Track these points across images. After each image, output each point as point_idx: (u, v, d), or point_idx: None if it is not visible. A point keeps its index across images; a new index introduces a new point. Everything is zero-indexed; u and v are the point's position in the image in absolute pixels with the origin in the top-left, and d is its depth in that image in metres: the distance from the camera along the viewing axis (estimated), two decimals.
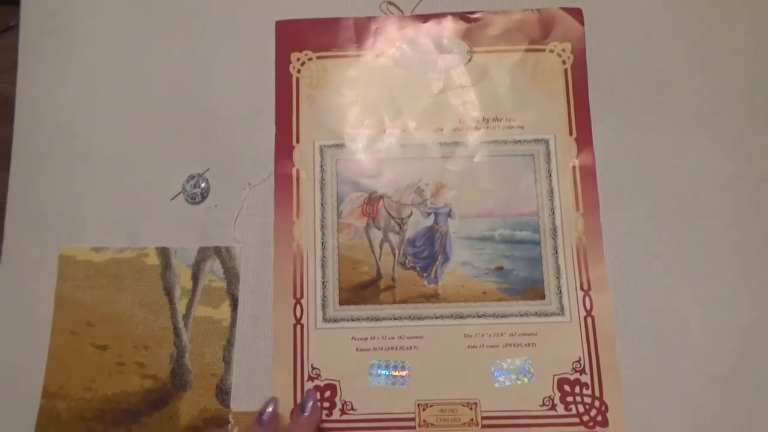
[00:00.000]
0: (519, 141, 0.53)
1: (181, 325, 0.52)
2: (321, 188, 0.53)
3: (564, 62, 0.54)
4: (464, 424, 0.49)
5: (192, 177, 0.54)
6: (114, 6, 0.58)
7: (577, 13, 0.55)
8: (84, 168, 0.55)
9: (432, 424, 0.49)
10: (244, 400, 0.51)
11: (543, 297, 0.51)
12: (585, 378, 0.49)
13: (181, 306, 0.53)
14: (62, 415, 0.51)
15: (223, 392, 0.51)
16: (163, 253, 0.54)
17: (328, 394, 0.50)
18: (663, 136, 0.53)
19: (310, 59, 0.55)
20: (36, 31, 0.57)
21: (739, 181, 0.53)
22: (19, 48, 0.57)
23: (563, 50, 0.54)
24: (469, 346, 0.50)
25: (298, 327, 0.51)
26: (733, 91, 0.54)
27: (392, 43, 0.55)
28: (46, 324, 0.52)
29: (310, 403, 0.48)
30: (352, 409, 0.50)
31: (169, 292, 0.53)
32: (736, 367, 0.50)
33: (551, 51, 0.54)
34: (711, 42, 0.55)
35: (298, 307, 0.51)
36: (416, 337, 0.51)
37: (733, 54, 0.55)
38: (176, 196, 0.54)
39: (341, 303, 0.51)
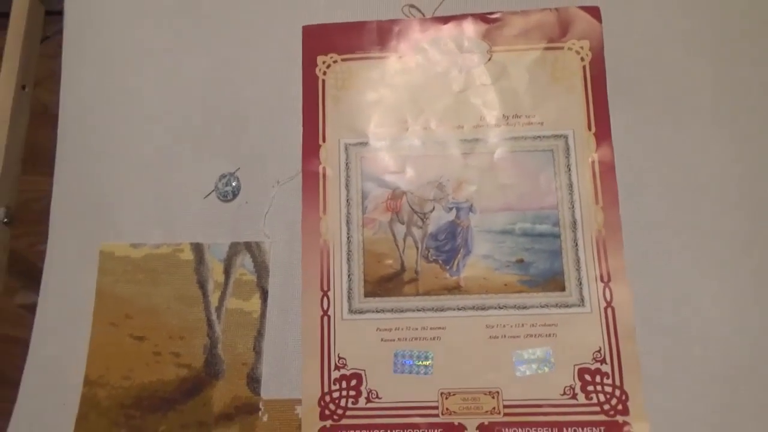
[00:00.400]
0: (538, 137, 0.55)
1: (214, 317, 0.55)
2: (346, 185, 0.55)
3: (582, 59, 0.55)
4: (486, 412, 0.50)
5: (224, 176, 0.57)
6: (151, 15, 0.61)
7: (594, 12, 0.56)
8: (123, 170, 0.58)
9: (455, 412, 0.50)
10: (273, 388, 0.53)
11: (563, 289, 0.52)
12: (605, 368, 0.50)
13: (214, 299, 0.55)
14: (102, 402, 0.54)
15: (254, 381, 0.53)
16: (197, 249, 0.56)
17: (354, 383, 0.52)
18: (681, 131, 0.54)
19: (335, 61, 0.57)
20: (78, 39, 0.61)
21: (757, 175, 0.53)
22: (62, 54, 0.61)
23: (581, 48, 0.56)
24: (490, 337, 0.52)
25: (325, 318, 0.53)
26: (749, 86, 0.55)
27: (414, 45, 0.57)
28: (88, 317, 0.55)
29: None
30: (377, 397, 0.51)
31: (202, 286, 0.55)
32: (755, 357, 0.50)
33: (570, 49, 0.56)
34: (727, 37, 0.56)
35: (325, 299, 0.53)
36: (439, 328, 0.52)
37: (750, 49, 0.55)
38: (209, 194, 0.57)
39: (366, 295, 0.53)
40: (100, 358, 0.54)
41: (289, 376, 0.53)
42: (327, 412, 0.51)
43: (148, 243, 0.57)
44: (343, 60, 0.57)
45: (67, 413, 0.53)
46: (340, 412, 0.51)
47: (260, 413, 0.52)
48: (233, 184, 0.57)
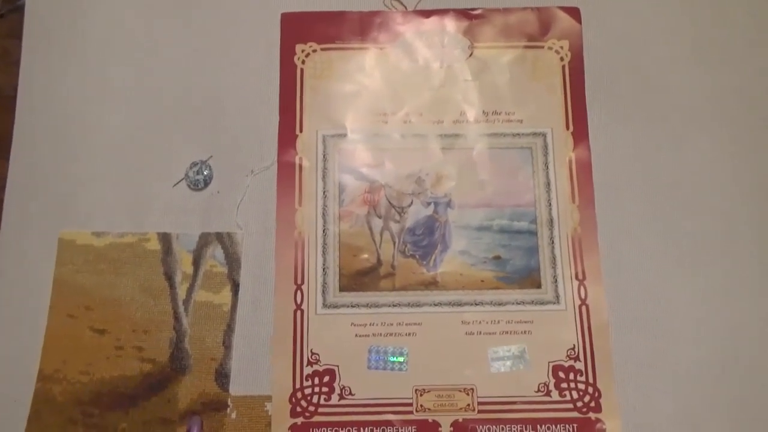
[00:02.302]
0: (518, 134, 0.55)
1: (181, 309, 0.53)
2: (323, 177, 0.54)
3: (562, 59, 0.56)
4: (461, 408, 0.50)
5: (195, 164, 0.55)
6: None
7: (574, 12, 0.57)
8: (87, 153, 0.56)
9: (429, 409, 0.50)
10: (243, 384, 0.51)
11: (539, 286, 0.52)
12: (579, 365, 0.51)
13: (181, 291, 0.53)
14: (58, 398, 0.51)
15: (222, 376, 0.51)
16: (165, 239, 0.54)
17: (327, 379, 0.50)
18: (657, 131, 0.55)
19: (314, 51, 0.56)
20: (41, 16, 0.58)
21: (731, 175, 0.54)
22: (23, 34, 0.58)
23: (561, 47, 0.56)
24: (466, 333, 0.51)
25: (299, 312, 0.52)
26: (726, 88, 0.56)
27: (395, 37, 0.57)
28: (44, 308, 0.52)
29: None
30: (350, 393, 0.50)
31: (169, 277, 0.53)
32: (727, 355, 0.51)
33: (550, 48, 0.56)
34: (704, 40, 0.57)
35: (299, 293, 0.52)
36: (415, 324, 0.51)
37: (727, 51, 0.57)
38: (179, 182, 0.55)
39: (341, 289, 0.52)
40: (57, 351, 0.52)
41: (259, 371, 0.51)
42: (298, 408, 0.50)
43: (112, 232, 0.54)
44: (322, 49, 0.56)
45: (19, 410, 0.50)
46: (312, 409, 0.50)
47: (228, 410, 0.50)
48: (205, 172, 0.55)
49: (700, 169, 0.55)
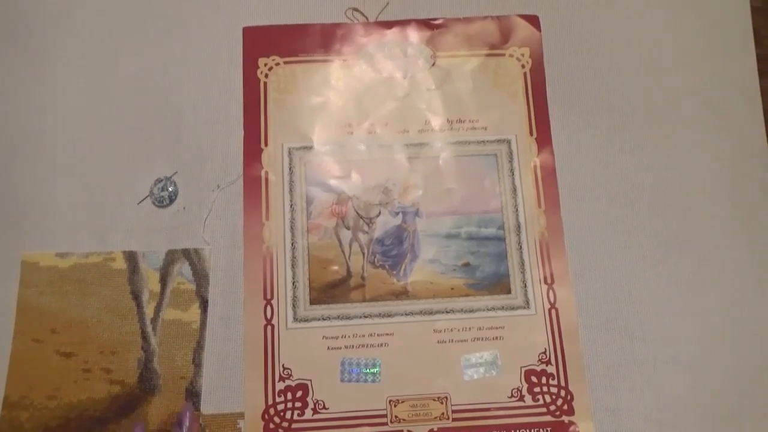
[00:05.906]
0: (482, 141, 0.55)
1: (149, 328, 0.52)
2: (290, 190, 0.54)
3: (523, 66, 0.57)
4: (435, 418, 0.50)
5: (160, 180, 0.54)
6: (82, 9, 0.58)
7: (534, 20, 0.58)
8: (49, 172, 0.55)
9: (404, 419, 0.50)
10: (215, 402, 0.50)
11: (509, 291, 0.52)
12: (551, 369, 0.51)
13: (149, 310, 0.52)
14: (25, 425, 0.50)
15: (193, 395, 0.50)
16: (130, 257, 0.53)
17: (299, 393, 0.50)
18: (618, 134, 0.56)
19: (277, 64, 0.56)
20: (1, 33, 0.57)
21: (693, 175, 0.55)
22: None
23: (522, 55, 0.57)
24: (438, 342, 0.51)
25: (269, 327, 0.51)
26: (684, 91, 0.57)
27: (358, 49, 0.57)
28: (8, 333, 0.51)
29: (187, 420, 0.47)
30: (324, 407, 0.50)
31: (136, 296, 0.52)
32: (695, 352, 0.52)
33: (511, 56, 0.57)
34: (661, 44, 0.58)
35: (269, 307, 0.51)
36: (387, 334, 0.51)
37: (684, 56, 0.58)
38: (143, 199, 0.54)
39: (312, 302, 0.52)
40: (22, 377, 0.50)
41: (231, 389, 0.50)
42: (272, 425, 0.49)
43: (77, 252, 0.53)
44: (285, 63, 0.56)
45: None
46: (285, 425, 0.49)
47: (200, 429, 0.50)
48: (170, 189, 0.54)
49: (662, 170, 0.55)
